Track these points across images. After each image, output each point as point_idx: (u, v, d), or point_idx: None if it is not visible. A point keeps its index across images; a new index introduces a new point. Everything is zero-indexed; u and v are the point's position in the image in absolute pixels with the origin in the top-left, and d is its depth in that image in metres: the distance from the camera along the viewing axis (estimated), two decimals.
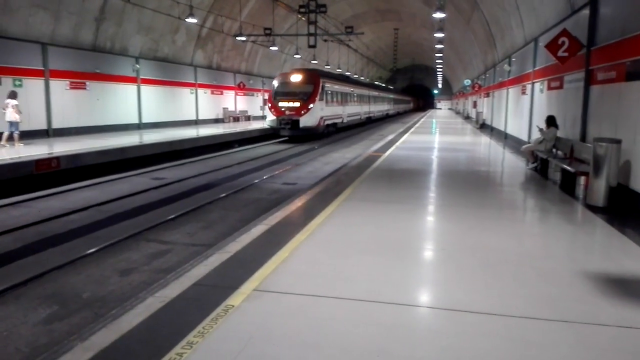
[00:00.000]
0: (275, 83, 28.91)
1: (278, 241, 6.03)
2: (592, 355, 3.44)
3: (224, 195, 11.81)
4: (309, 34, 29.65)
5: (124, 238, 8.19)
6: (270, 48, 33.25)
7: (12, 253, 7.61)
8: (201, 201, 10.99)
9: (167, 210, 10.23)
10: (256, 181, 13.92)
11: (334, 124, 32.09)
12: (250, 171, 16.03)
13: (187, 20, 23.16)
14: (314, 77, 28.66)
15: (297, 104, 26.98)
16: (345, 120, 35.33)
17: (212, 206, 10.79)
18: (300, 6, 28.91)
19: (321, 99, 28.18)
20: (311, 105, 27.06)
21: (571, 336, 3.71)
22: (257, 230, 6.58)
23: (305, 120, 26.68)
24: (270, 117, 27.05)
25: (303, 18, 30.78)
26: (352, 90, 37.85)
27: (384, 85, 69.26)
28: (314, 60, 40.71)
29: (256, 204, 10.99)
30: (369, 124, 46.99)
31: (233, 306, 4.15)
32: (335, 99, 32.17)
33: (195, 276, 4.83)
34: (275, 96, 27.86)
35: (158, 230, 8.84)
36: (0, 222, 9.31)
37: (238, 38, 29.31)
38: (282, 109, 26.83)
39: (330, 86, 30.76)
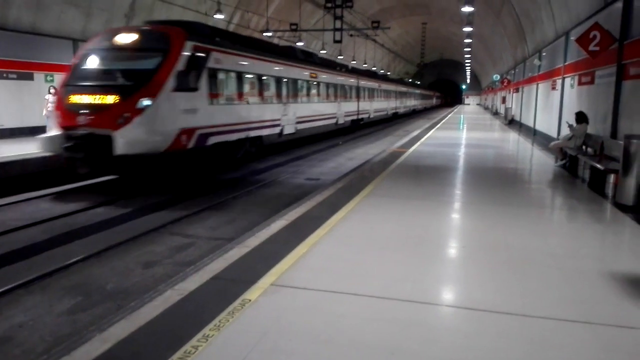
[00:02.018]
0: (81, 54, 12.66)
1: (297, 236, 6.03)
2: (616, 359, 3.34)
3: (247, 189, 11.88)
4: (335, 29, 29.55)
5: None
6: (297, 44, 33.27)
7: None
8: None
9: None
10: (280, 177, 13.97)
11: (249, 141, 15.95)
12: None
13: (214, 16, 23.36)
14: (166, 35, 12.30)
15: (110, 101, 11.13)
16: (289, 130, 19.34)
17: (235, 201, 10.87)
18: (327, 1, 28.83)
19: (184, 87, 11.99)
20: (146, 103, 11.00)
21: (594, 339, 3.60)
22: (277, 225, 6.60)
23: (130, 138, 10.71)
24: (52, 131, 11.36)
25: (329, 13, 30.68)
26: (305, 76, 21.07)
27: (388, 75, 53.10)
28: (340, 55, 40.57)
29: (278, 199, 11.02)
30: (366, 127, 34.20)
31: (250, 300, 4.17)
32: (247, 89, 15.72)
33: (214, 270, 4.87)
34: (68, 84, 11.89)
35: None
36: None
37: (265, 34, 29.42)
38: (74, 113, 11.12)
39: (224, 59, 14.09)
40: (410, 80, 71.06)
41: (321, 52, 37.37)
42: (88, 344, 3.40)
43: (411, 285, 4.55)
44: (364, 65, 47.30)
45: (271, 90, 17.56)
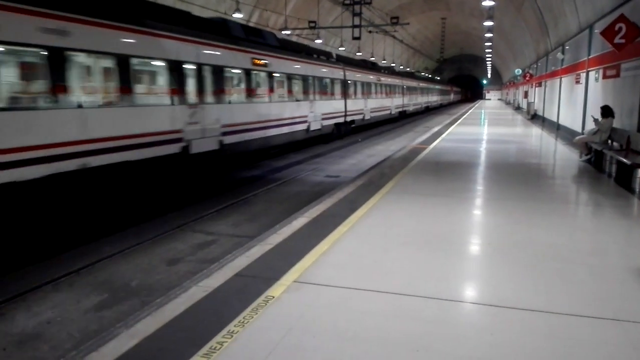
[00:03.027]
0: None
1: (319, 233, 6.03)
2: None
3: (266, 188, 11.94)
4: (354, 26, 29.41)
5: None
6: (315, 41, 33.28)
7: None
8: None
9: None
10: (299, 175, 14.00)
11: None
12: None
13: (233, 15, 23.47)
14: None
15: None
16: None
17: (255, 199, 10.93)
18: None
19: None
20: None
21: (620, 335, 3.54)
22: (299, 222, 6.61)
23: None
24: None
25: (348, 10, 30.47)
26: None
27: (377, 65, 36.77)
28: (359, 52, 40.43)
29: (298, 197, 11.05)
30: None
31: (273, 297, 4.19)
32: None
33: (237, 267, 4.91)
34: None
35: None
36: None
37: (283, 32, 29.46)
38: None
39: None
40: (428, 75, 70.30)
41: (340, 49, 37.37)
42: (115, 340, 3.46)
43: (434, 282, 4.53)
44: (383, 62, 47.06)
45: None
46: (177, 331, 3.62)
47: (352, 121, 25.08)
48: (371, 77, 29.29)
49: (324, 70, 21.22)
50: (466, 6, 46.42)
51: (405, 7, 47.67)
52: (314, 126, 19.77)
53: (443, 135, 19.70)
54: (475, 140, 17.81)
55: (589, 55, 16.13)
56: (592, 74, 15.77)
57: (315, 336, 3.54)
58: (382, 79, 32.15)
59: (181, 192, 11.59)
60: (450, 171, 11.01)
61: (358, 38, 29.76)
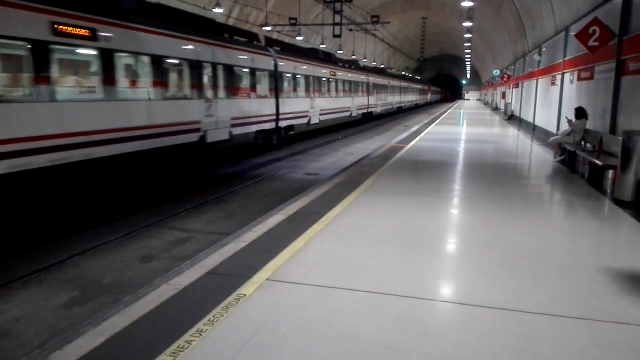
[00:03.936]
0: None
1: (294, 231, 6.02)
2: (608, 354, 3.33)
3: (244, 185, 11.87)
4: (335, 24, 29.41)
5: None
6: (296, 38, 33.19)
7: None
8: None
9: None
10: (279, 172, 13.95)
11: None
12: None
13: (213, 10, 23.26)
14: None
15: None
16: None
17: (233, 195, 10.86)
18: None
19: None
20: None
21: (588, 334, 3.60)
22: (274, 220, 6.59)
23: None
24: None
25: (328, 8, 30.38)
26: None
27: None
28: (340, 50, 40.47)
29: (277, 194, 11.01)
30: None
31: (245, 295, 4.16)
32: None
33: (209, 265, 4.86)
34: None
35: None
36: None
37: (264, 28, 29.32)
38: None
39: None
40: (410, 75, 70.71)
41: (321, 46, 37.33)
42: (81, 338, 3.40)
43: (407, 281, 4.55)
44: (363, 60, 47.17)
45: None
46: (145, 330, 3.57)
47: (291, 126, 19.70)
48: (322, 70, 23.75)
49: (241, 57, 15.15)
50: (446, 6, 46.84)
51: (386, 5, 47.86)
52: (213, 136, 13.34)
53: (422, 135, 19.84)
54: (453, 140, 17.98)
55: (564, 57, 16.40)
56: (567, 76, 16.04)
57: (284, 334, 3.52)
58: (339, 73, 26.81)
59: (157, 188, 11.46)
60: (428, 170, 11.09)
61: (339, 36, 29.76)
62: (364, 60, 47.14)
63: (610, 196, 8.39)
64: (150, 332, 3.53)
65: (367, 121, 33.86)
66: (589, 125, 11.79)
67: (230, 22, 29.37)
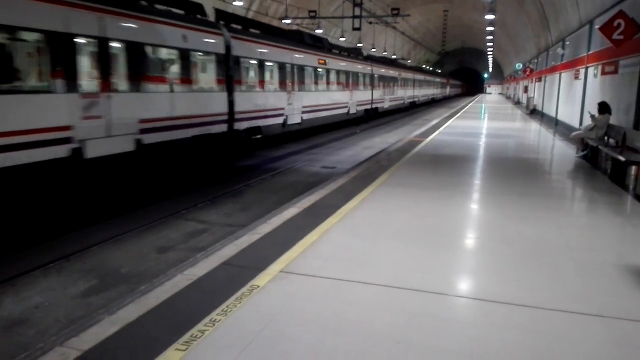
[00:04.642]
0: None
1: (309, 224, 6.02)
2: (624, 352, 3.27)
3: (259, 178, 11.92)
4: (354, 17, 29.24)
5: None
6: (315, 31, 33.10)
7: None
8: None
9: None
10: (296, 165, 13.97)
11: None
12: None
13: (233, 3, 23.32)
14: None
15: None
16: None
17: (250, 188, 10.92)
18: None
19: None
20: None
21: (604, 331, 3.53)
22: (289, 212, 6.60)
23: None
24: None
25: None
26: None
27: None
28: (360, 43, 40.24)
29: (293, 187, 11.03)
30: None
31: (258, 286, 4.18)
32: None
33: (224, 256, 4.89)
34: None
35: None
36: None
37: (284, 21, 29.29)
38: None
39: None
40: (428, 68, 69.81)
41: (340, 39, 37.16)
42: (97, 326, 3.45)
43: (421, 275, 4.52)
44: (384, 53, 46.79)
45: None
46: (159, 319, 3.61)
47: (257, 129, 15.37)
48: (307, 58, 19.43)
49: (161, 34, 10.73)
50: None
51: None
52: (93, 150, 8.74)
53: (441, 129, 19.66)
54: (473, 134, 17.77)
55: (588, 51, 16.06)
56: (591, 70, 15.71)
57: (296, 326, 3.53)
58: (332, 62, 22.11)
59: (177, 180, 11.56)
60: (446, 164, 10.98)
61: (358, 29, 29.59)
62: (384, 53, 46.78)
63: (633, 193, 8.20)
64: (164, 321, 3.57)
65: (372, 119, 29.39)
66: (613, 120, 11.54)
67: (250, 15, 29.41)
